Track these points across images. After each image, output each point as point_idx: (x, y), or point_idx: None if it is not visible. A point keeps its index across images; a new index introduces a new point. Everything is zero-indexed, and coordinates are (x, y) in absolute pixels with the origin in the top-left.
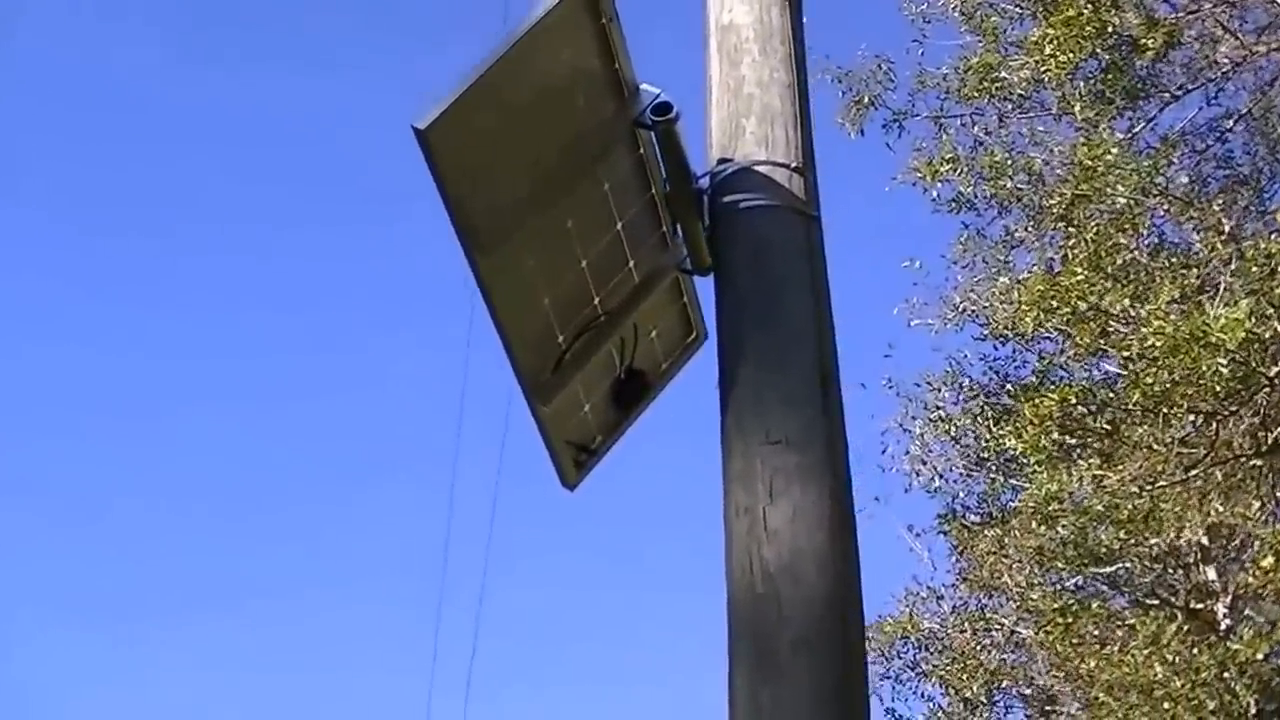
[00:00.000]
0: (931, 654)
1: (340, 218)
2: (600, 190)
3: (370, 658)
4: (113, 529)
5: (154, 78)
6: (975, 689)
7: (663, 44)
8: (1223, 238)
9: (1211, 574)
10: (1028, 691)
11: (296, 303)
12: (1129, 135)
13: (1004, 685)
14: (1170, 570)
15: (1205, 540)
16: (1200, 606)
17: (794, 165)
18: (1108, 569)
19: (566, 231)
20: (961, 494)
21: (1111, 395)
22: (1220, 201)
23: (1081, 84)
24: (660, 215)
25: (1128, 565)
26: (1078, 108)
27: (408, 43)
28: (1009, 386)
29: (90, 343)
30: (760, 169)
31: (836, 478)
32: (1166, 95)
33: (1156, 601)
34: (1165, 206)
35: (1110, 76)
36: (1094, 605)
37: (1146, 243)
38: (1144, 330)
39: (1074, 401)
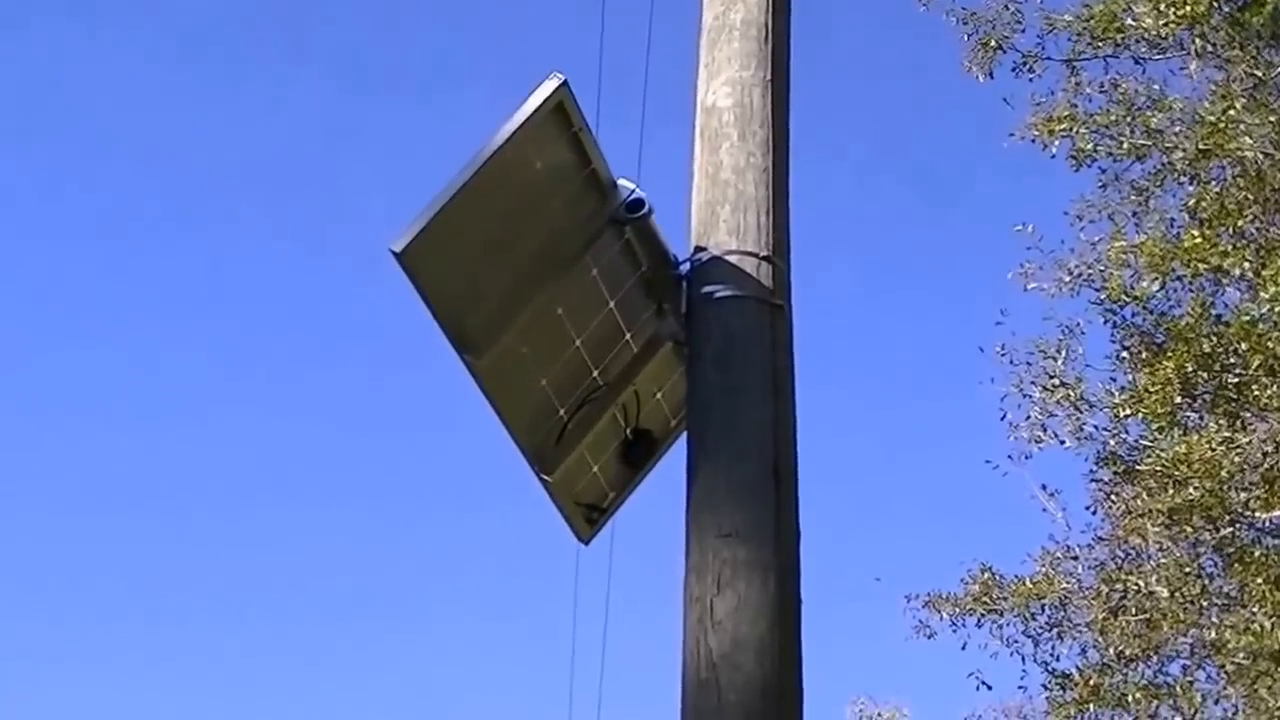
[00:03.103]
0: (1070, 613)
1: None
2: (589, 276)
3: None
4: None
5: None
6: (1123, 644)
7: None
8: None
9: None
10: (1178, 648)
11: None
12: (1266, 79)
13: (1155, 641)
14: None
15: None
16: None
17: (763, 254)
18: (1267, 516)
19: (558, 317)
20: (1112, 442)
21: (1232, 360)
22: None
23: (1213, 28)
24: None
25: None
26: (1193, 68)
27: None
28: (1126, 351)
29: None
30: (731, 258)
31: (783, 570)
32: None
33: None
34: None
35: (1238, 24)
36: (1255, 553)
37: (1276, 200)
38: (1262, 295)
39: (1191, 368)
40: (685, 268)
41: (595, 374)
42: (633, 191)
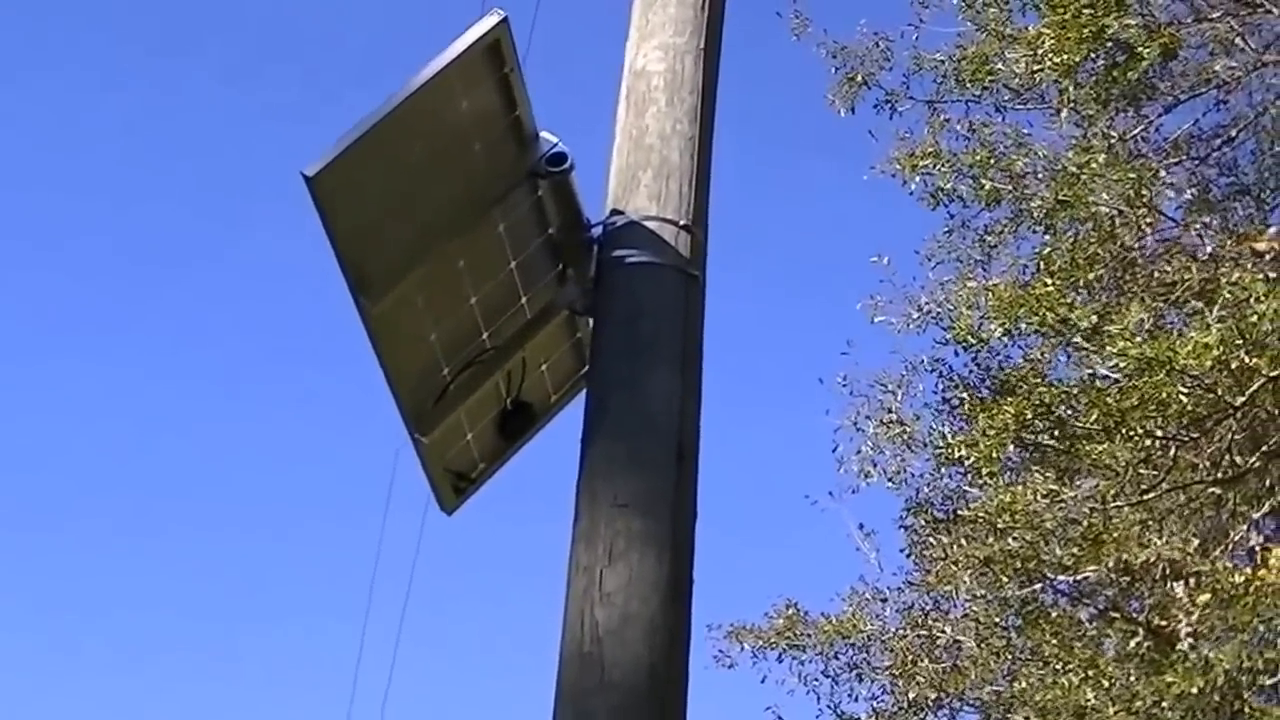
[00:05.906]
0: (872, 656)
1: None
2: (495, 232)
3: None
4: None
5: None
6: (920, 693)
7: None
8: (1200, 261)
9: (1179, 590)
10: (982, 698)
11: None
12: (1123, 138)
13: (952, 691)
14: (1138, 582)
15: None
16: (1164, 624)
17: (683, 223)
18: (1069, 577)
19: (457, 271)
20: (926, 489)
21: (1070, 412)
22: (1215, 217)
23: (1078, 84)
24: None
25: (1089, 577)
26: (1063, 116)
27: None
28: (966, 396)
29: None
30: (649, 224)
31: (678, 546)
32: (1169, 99)
33: (1119, 616)
34: (1148, 219)
35: (1108, 80)
36: (1053, 615)
37: (1126, 258)
38: (1109, 350)
39: (1030, 416)
40: (597, 231)
41: (485, 336)
42: (555, 145)
